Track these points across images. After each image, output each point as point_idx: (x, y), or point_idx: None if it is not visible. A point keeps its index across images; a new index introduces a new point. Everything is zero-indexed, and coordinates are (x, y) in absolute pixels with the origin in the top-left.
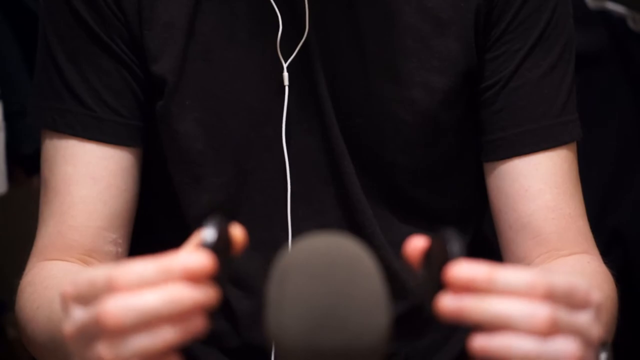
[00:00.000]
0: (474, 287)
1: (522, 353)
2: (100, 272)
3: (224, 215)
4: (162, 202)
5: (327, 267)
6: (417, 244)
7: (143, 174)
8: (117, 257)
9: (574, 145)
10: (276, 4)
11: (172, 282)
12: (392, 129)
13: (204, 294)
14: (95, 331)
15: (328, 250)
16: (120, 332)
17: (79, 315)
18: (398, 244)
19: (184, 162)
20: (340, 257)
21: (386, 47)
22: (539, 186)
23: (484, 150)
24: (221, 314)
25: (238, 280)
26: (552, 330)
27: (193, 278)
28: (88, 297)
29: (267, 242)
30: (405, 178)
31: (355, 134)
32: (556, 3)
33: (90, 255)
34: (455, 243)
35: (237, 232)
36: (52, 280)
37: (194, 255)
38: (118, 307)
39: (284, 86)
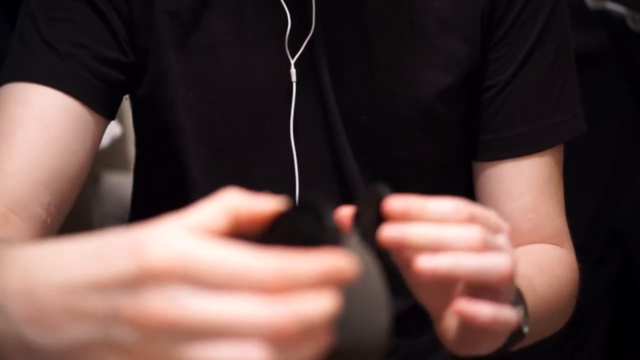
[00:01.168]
0: (410, 217)
1: (465, 267)
2: (218, 252)
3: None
4: (163, 199)
5: None
6: (344, 212)
7: (144, 173)
8: (44, 227)
9: (560, 145)
10: (284, 1)
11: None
12: (396, 125)
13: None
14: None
15: None
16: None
17: (199, 303)
18: None
19: (187, 155)
20: None
21: (391, 45)
22: (521, 189)
23: (476, 149)
24: None
25: None
26: (484, 246)
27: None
28: (225, 283)
29: None
30: (408, 175)
31: (359, 131)
32: (554, 4)
33: (15, 212)
34: (384, 188)
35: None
36: None
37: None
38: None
39: (291, 83)
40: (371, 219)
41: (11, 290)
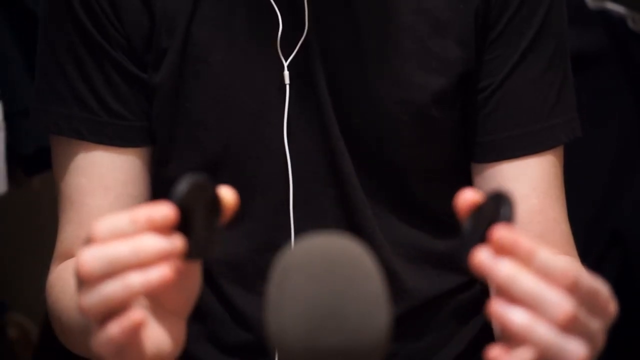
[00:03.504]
0: (514, 253)
1: (536, 337)
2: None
3: (209, 177)
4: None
5: (327, 267)
6: (468, 196)
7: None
8: None
9: (560, 148)
10: (275, 3)
11: (140, 233)
12: (390, 129)
13: (169, 244)
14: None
15: (328, 251)
16: (91, 280)
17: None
18: (398, 243)
19: (184, 164)
20: (341, 257)
21: (384, 47)
22: (525, 191)
23: (474, 151)
24: (222, 314)
25: (239, 282)
26: (570, 326)
27: (157, 228)
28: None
29: (268, 244)
30: (404, 178)
31: (355, 133)
32: (550, 5)
33: None
34: (508, 206)
35: (227, 194)
36: None
37: (157, 206)
38: (90, 256)
39: (285, 85)
40: (483, 223)
41: None
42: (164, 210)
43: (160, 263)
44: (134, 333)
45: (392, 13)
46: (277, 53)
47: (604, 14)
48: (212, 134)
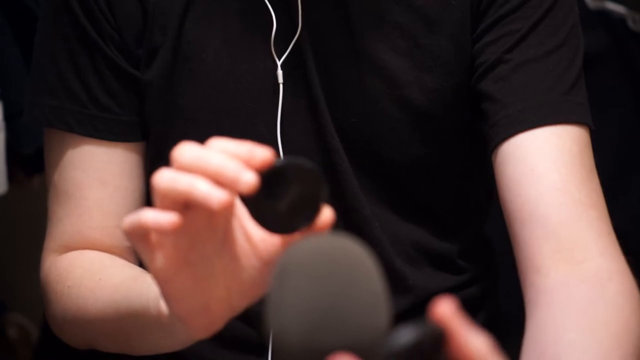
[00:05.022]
0: None
1: None
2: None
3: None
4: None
5: (327, 268)
6: (448, 310)
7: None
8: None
9: (586, 131)
10: (269, 2)
11: (234, 156)
12: (386, 127)
13: (246, 176)
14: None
15: (328, 251)
16: (175, 164)
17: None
18: (397, 241)
19: None
20: (341, 257)
21: (377, 46)
22: (546, 164)
23: (489, 137)
24: None
25: None
26: None
27: (249, 164)
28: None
29: None
30: (402, 176)
31: (350, 132)
32: None
33: (111, 252)
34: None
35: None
36: (108, 269)
37: (263, 148)
38: (188, 147)
39: (278, 84)
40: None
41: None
42: (265, 153)
43: (227, 190)
44: (158, 230)
45: (383, 12)
46: (271, 52)
47: (604, 14)
48: (205, 131)
